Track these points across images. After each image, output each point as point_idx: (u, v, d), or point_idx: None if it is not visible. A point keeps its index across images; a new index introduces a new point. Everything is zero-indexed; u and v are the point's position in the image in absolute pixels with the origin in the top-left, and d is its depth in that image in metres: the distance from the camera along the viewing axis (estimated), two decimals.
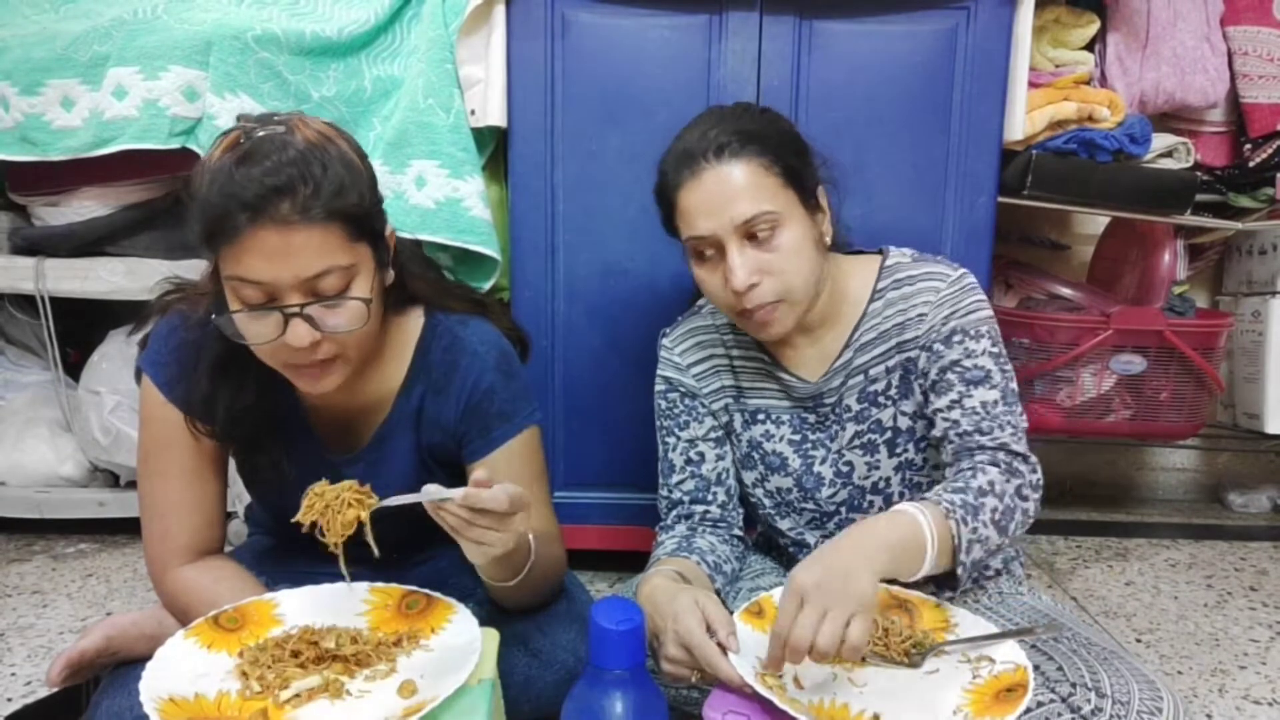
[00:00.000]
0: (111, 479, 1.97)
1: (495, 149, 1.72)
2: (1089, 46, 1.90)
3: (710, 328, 1.19)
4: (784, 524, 1.19)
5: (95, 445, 1.87)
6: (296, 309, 0.87)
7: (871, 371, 1.11)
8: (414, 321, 1.08)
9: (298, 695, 0.79)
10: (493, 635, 0.91)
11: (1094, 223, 2.28)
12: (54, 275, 1.81)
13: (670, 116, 1.55)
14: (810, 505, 1.15)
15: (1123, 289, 2.13)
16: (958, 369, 1.05)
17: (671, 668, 0.88)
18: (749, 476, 1.19)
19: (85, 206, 1.81)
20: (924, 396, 1.09)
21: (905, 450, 1.12)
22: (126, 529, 1.95)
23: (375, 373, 1.05)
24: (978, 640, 0.91)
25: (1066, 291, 2.03)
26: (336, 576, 0.90)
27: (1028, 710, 0.89)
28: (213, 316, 0.90)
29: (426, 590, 0.95)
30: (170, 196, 1.84)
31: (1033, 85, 1.68)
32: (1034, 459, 1.04)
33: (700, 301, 1.22)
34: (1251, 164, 2.05)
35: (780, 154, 1.00)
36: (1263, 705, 1.35)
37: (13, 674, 1.38)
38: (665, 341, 1.21)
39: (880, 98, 1.57)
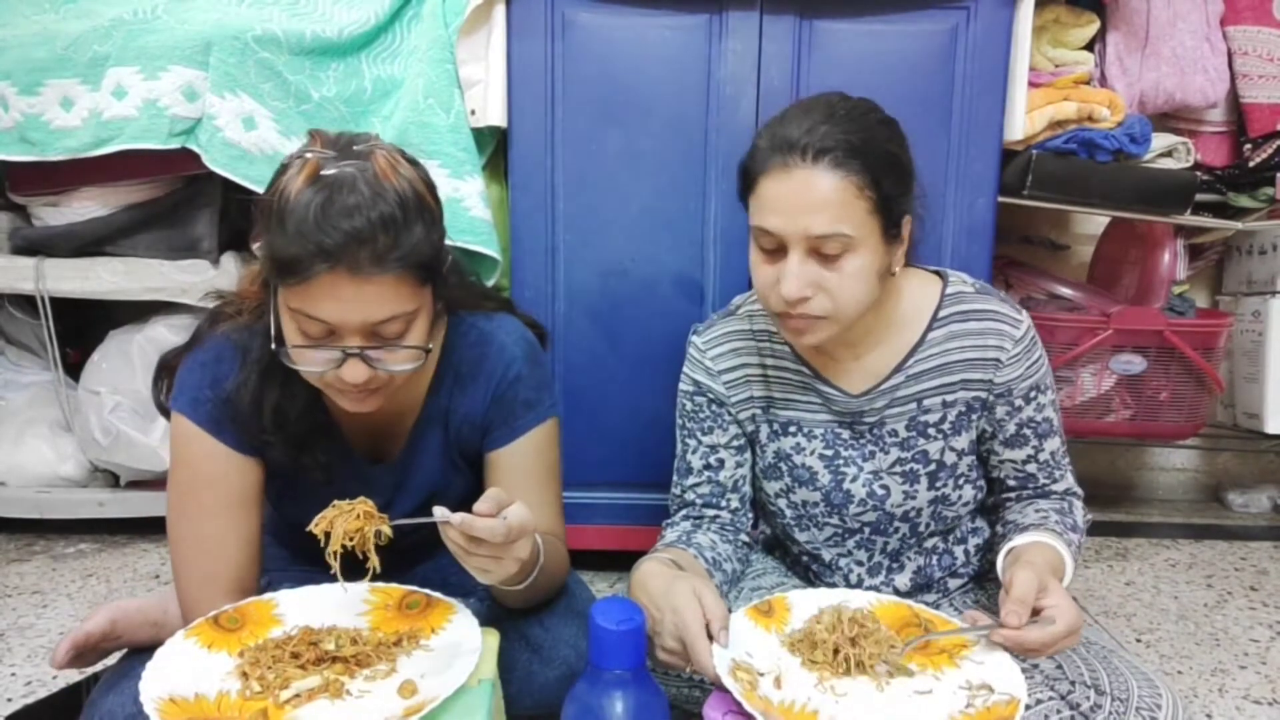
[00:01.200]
0: (111, 479, 1.97)
1: (495, 149, 1.72)
2: (1089, 46, 1.90)
3: (747, 333, 1.14)
4: (801, 536, 1.16)
5: (95, 445, 1.87)
6: (357, 351, 0.88)
7: (926, 402, 1.07)
8: (439, 322, 1.08)
9: (298, 695, 0.79)
10: (493, 635, 0.91)
11: (1094, 223, 2.28)
12: (54, 275, 1.81)
13: (670, 116, 1.57)
14: (834, 521, 1.13)
15: (1123, 289, 2.13)
16: (1032, 424, 1.08)
17: (667, 658, 0.88)
18: (773, 487, 1.16)
19: (85, 206, 1.81)
20: (979, 434, 1.10)
21: (945, 485, 1.10)
22: (126, 529, 1.95)
23: (406, 379, 1.05)
24: (932, 638, 0.89)
25: (1066, 291, 2.03)
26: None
27: (1027, 708, 0.89)
28: (273, 347, 0.91)
29: (426, 590, 0.95)
30: (171, 196, 1.84)
31: (1033, 85, 1.69)
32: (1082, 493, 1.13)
33: (737, 301, 1.18)
34: (1251, 164, 2.05)
35: (880, 179, 0.94)
36: (1263, 705, 1.35)
37: (13, 674, 1.38)
38: (697, 341, 1.15)
39: (880, 98, 1.53)
